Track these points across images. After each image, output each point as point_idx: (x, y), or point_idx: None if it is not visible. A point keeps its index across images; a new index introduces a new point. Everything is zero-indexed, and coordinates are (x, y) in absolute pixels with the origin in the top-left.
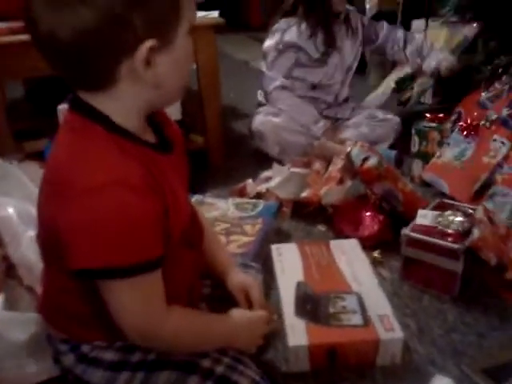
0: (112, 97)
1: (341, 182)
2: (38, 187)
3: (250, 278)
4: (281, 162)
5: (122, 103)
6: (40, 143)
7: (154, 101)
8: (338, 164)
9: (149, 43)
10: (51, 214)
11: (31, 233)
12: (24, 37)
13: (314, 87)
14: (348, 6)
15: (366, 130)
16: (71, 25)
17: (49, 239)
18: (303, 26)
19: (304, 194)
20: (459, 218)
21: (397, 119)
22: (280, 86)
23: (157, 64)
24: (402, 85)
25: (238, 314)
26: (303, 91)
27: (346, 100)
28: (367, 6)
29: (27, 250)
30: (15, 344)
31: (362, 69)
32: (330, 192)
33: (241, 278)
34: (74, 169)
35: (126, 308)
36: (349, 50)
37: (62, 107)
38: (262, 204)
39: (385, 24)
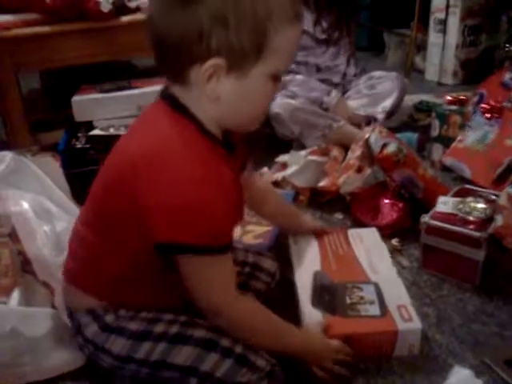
0: (191, 93)
1: (359, 170)
2: (52, 180)
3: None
4: (301, 146)
5: (198, 102)
6: (55, 135)
7: (217, 116)
8: (356, 151)
9: (215, 61)
10: (134, 191)
11: (46, 228)
12: (39, 29)
13: (318, 69)
14: None
15: (365, 91)
16: (171, 27)
17: (120, 212)
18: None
19: (321, 184)
20: (481, 205)
21: (394, 74)
22: None
23: (220, 82)
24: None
25: (314, 333)
26: (308, 74)
27: (355, 75)
28: None
29: (42, 245)
30: (32, 339)
31: (380, 48)
32: (349, 181)
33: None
34: (174, 155)
35: (205, 282)
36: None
37: (76, 99)
38: (278, 192)
39: None
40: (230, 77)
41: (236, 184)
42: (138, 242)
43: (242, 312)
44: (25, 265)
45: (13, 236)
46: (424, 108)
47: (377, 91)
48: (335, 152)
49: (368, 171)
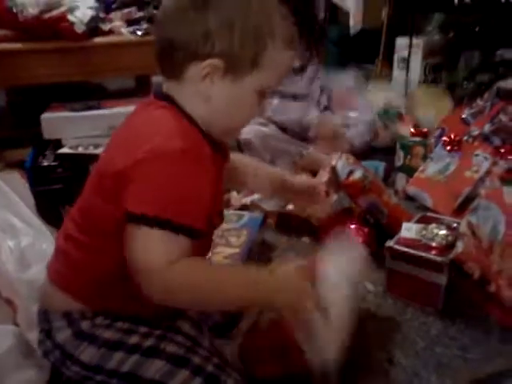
0: (183, 91)
1: (326, 195)
2: (18, 196)
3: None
4: None
5: (190, 100)
6: (22, 152)
7: (204, 116)
8: (323, 177)
9: (214, 61)
10: (121, 162)
11: (10, 243)
12: (7, 45)
13: (295, 98)
14: None
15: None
16: (181, 26)
17: (104, 184)
18: None
19: (289, 207)
20: (443, 232)
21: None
22: None
23: (214, 83)
24: None
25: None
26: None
27: (326, 108)
28: (351, 23)
29: (6, 260)
30: None
31: (371, 61)
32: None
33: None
34: (158, 132)
35: (161, 259)
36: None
37: (45, 117)
38: (247, 215)
39: None
40: (225, 80)
41: (217, 171)
42: (120, 230)
43: (176, 273)
44: None
45: None
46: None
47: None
48: (303, 177)
49: (335, 197)
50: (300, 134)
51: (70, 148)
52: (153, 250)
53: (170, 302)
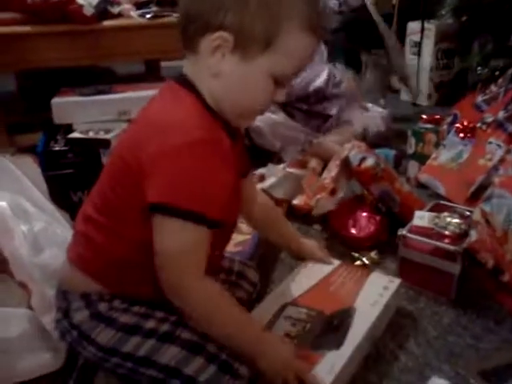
0: (196, 66)
1: (333, 192)
2: (31, 181)
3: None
4: (280, 160)
5: (202, 77)
6: (33, 137)
7: (216, 93)
8: (332, 171)
9: (223, 34)
10: (141, 152)
11: (24, 227)
12: (16, 28)
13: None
14: None
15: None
16: None
17: (124, 174)
18: None
19: (296, 201)
20: (456, 220)
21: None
22: None
23: (225, 59)
24: None
25: (277, 336)
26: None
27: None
28: None
29: (20, 244)
30: (6, 340)
31: (357, 68)
32: (321, 204)
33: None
34: (180, 123)
35: (174, 246)
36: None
37: (56, 101)
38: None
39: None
40: (234, 56)
41: (235, 159)
42: (139, 216)
43: (203, 292)
44: (1, 264)
45: None
46: None
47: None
48: (313, 163)
49: (341, 194)
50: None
51: (81, 133)
52: (186, 251)
53: (177, 302)
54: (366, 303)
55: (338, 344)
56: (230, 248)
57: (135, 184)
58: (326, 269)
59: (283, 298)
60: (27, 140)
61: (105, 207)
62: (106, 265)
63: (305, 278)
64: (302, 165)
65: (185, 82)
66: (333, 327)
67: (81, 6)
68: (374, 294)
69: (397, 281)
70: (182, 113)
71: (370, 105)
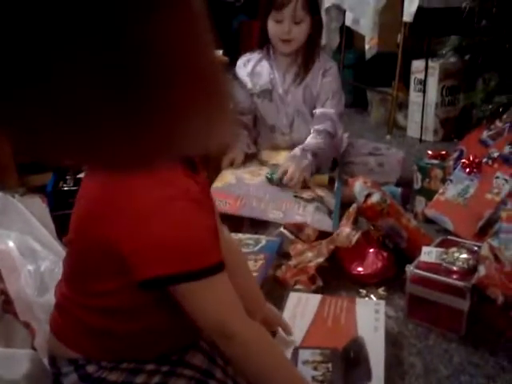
0: None
1: (312, 281)
2: (39, 220)
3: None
4: None
5: None
6: (43, 177)
7: None
8: (321, 256)
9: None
10: (107, 231)
11: (30, 267)
12: None
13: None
14: (323, 57)
15: (374, 166)
16: None
17: (97, 255)
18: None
19: (278, 273)
20: (464, 255)
21: (401, 154)
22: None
23: None
24: None
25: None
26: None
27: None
28: (366, 47)
29: (25, 284)
30: (11, 382)
31: (363, 105)
32: (298, 287)
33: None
34: (136, 186)
35: (213, 305)
36: (292, 100)
37: None
38: (264, 239)
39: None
40: None
41: (207, 199)
42: (116, 287)
43: (255, 334)
44: (6, 304)
45: None
46: None
47: (384, 169)
48: (309, 231)
49: (319, 284)
50: None
51: None
52: (220, 300)
53: (232, 350)
54: (367, 330)
55: (368, 376)
56: None
57: (109, 260)
58: (311, 305)
59: (290, 343)
60: (37, 180)
61: (72, 274)
62: (86, 337)
63: (298, 319)
64: (299, 228)
65: None
66: (353, 361)
67: None
68: (370, 320)
69: (382, 302)
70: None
71: (383, 147)
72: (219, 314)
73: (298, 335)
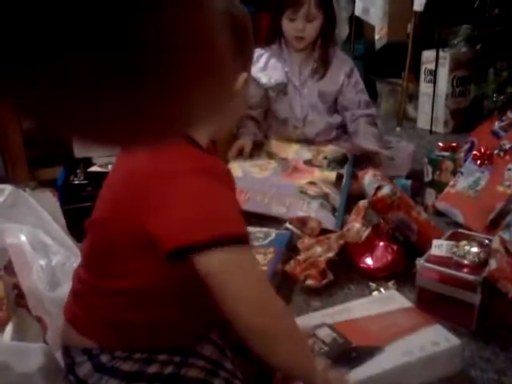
0: None
1: (323, 275)
2: (50, 215)
3: None
4: None
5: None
6: (54, 171)
7: (219, 127)
8: (331, 251)
9: (247, 74)
10: (136, 208)
11: (42, 261)
12: None
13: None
14: (340, 54)
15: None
16: None
17: (123, 234)
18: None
19: (288, 268)
20: (475, 249)
21: (411, 148)
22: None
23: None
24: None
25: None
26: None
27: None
28: (376, 37)
29: (37, 279)
30: (24, 375)
31: (373, 97)
32: (309, 282)
33: None
34: (163, 162)
35: (243, 280)
36: (309, 94)
37: None
38: (273, 233)
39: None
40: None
41: (231, 179)
42: (140, 265)
43: (287, 317)
44: (19, 298)
45: (8, 269)
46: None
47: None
48: (313, 223)
49: (330, 278)
50: None
51: (100, 166)
52: (251, 272)
53: (257, 333)
54: (398, 349)
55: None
56: None
57: (138, 232)
58: (391, 305)
59: (327, 318)
60: (48, 174)
61: (97, 264)
62: (102, 325)
63: (363, 308)
64: (303, 223)
65: None
66: (349, 359)
67: None
68: (414, 344)
69: (454, 340)
70: (172, 154)
71: (393, 140)
72: (250, 288)
73: (342, 317)
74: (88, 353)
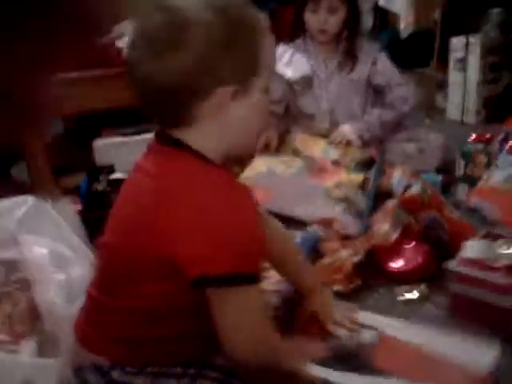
0: (198, 132)
1: (350, 280)
2: (70, 226)
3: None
4: None
5: (207, 138)
6: (76, 178)
7: (224, 146)
8: (359, 254)
9: (224, 89)
10: (159, 231)
11: (61, 275)
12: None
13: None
14: (366, 45)
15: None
16: (167, 69)
17: (143, 258)
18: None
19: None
20: (510, 250)
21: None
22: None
23: (230, 108)
24: None
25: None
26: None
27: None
28: (402, 26)
29: (55, 294)
30: None
31: (425, 64)
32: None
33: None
34: (196, 185)
35: (245, 319)
36: (335, 87)
37: (97, 144)
38: (299, 235)
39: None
40: (239, 99)
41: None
42: (154, 289)
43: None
44: (34, 314)
45: (24, 282)
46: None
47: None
48: (337, 225)
49: (358, 282)
50: None
51: (123, 173)
52: (254, 312)
53: (254, 360)
54: None
55: None
56: (267, 286)
57: (152, 257)
58: (462, 355)
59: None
60: (72, 181)
61: (109, 285)
62: (113, 342)
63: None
64: (326, 224)
65: (181, 146)
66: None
67: (120, 50)
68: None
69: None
70: (196, 174)
71: (422, 131)
72: (252, 326)
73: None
74: (99, 370)
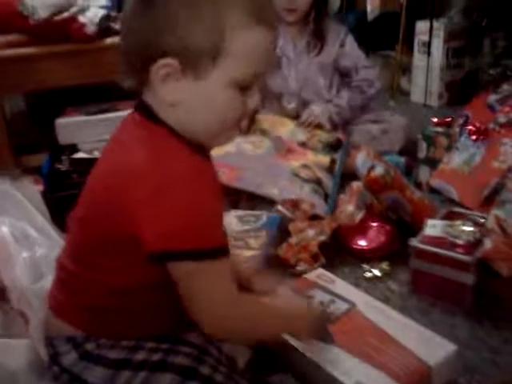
0: (154, 94)
1: (315, 259)
2: (33, 205)
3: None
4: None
5: (163, 104)
6: (38, 158)
7: (179, 122)
8: (323, 234)
9: (167, 60)
10: (124, 203)
11: (25, 254)
12: (23, 50)
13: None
14: (333, 25)
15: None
16: (134, 28)
17: (111, 230)
18: None
19: (280, 251)
20: (470, 228)
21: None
22: None
23: (178, 85)
24: None
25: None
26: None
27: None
28: (368, 8)
29: (20, 272)
30: (10, 372)
31: (391, 47)
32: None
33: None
34: (156, 163)
35: (208, 292)
36: (304, 67)
37: (60, 122)
38: (265, 216)
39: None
40: (188, 79)
41: (219, 184)
42: (125, 263)
43: (242, 314)
44: (1, 292)
45: None
46: None
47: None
48: (305, 205)
49: (322, 261)
50: None
51: (85, 152)
52: (214, 291)
53: (224, 335)
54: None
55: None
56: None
57: (121, 234)
58: (411, 342)
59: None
60: (33, 161)
61: (80, 252)
62: (86, 311)
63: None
64: (294, 205)
65: (149, 115)
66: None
67: (83, 25)
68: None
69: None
70: (160, 151)
71: (386, 113)
72: (211, 301)
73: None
74: (72, 341)
